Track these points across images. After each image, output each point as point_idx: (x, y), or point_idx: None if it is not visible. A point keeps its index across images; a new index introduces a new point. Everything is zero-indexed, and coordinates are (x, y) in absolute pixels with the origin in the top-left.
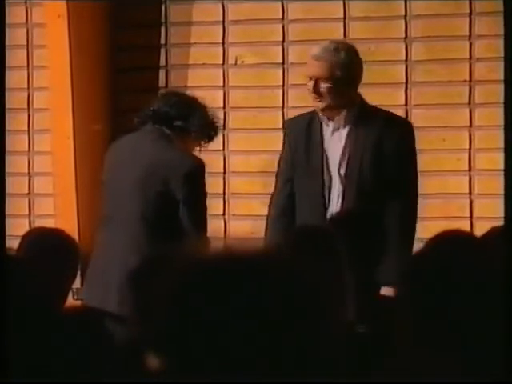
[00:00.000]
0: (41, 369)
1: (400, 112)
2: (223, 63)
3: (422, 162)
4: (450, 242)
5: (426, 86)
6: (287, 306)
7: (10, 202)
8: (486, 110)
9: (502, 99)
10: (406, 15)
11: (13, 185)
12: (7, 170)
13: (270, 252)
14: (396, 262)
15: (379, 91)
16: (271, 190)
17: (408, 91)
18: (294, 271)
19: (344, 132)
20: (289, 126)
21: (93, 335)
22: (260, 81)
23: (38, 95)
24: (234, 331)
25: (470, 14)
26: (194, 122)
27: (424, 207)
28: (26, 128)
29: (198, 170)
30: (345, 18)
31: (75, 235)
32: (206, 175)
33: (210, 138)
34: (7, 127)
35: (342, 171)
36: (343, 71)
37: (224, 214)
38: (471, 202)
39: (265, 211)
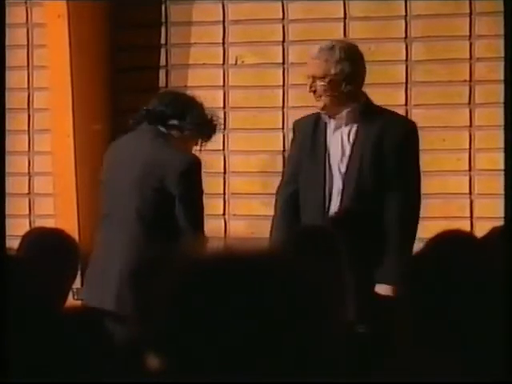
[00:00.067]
0: (41, 369)
1: (400, 112)
2: (223, 63)
3: (422, 162)
4: (450, 241)
5: (426, 86)
6: (287, 306)
7: (10, 201)
8: (486, 110)
9: (502, 99)
10: (406, 15)
11: (13, 185)
12: (7, 170)
13: (270, 252)
14: (393, 262)
15: (379, 91)
16: (271, 190)
17: (408, 91)
18: (294, 271)
19: (345, 130)
20: (296, 125)
21: (93, 335)
22: (260, 81)
23: (38, 95)
24: (233, 331)
25: (470, 13)
26: (189, 120)
27: (424, 207)
28: (26, 128)
29: (193, 167)
30: (345, 18)
31: (75, 235)
32: (207, 175)
33: (208, 137)
34: (7, 127)
35: (342, 169)
36: (337, 69)
37: (224, 214)
38: (471, 202)
39: (265, 211)
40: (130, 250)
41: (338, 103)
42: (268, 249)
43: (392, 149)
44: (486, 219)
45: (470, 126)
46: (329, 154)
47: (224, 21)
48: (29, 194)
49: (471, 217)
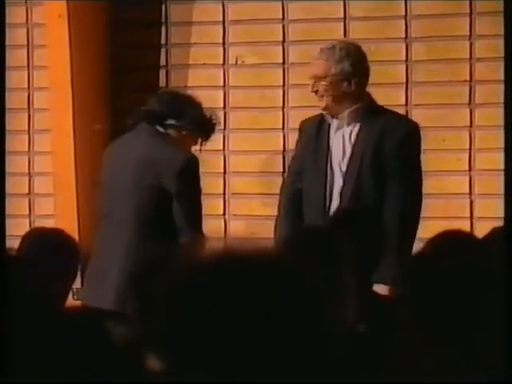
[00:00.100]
0: (41, 369)
1: (400, 112)
2: (223, 63)
3: (422, 162)
4: (450, 242)
5: (426, 86)
6: (287, 306)
7: (10, 201)
8: (487, 110)
9: (502, 99)
10: (406, 15)
11: (13, 185)
12: (7, 170)
13: (270, 252)
14: (392, 262)
15: (379, 91)
16: (271, 190)
17: (408, 91)
18: (294, 271)
19: (347, 130)
20: (302, 126)
21: (93, 335)
22: (260, 81)
23: (38, 95)
24: (234, 331)
25: (471, 13)
26: (187, 120)
27: (424, 207)
28: (26, 128)
29: (190, 166)
30: (345, 17)
31: (75, 235)
32: (207, 175)
33: (207, 136)
34: (7, 127)
35: (343, 169)
36: (338, 69)
37: (224, 214)
38: (471, 202)
39: (265, 211)
40: (130, 249)
41: (339, 103)
42: (268, 249)
43: (393, 148)
44: (486, 219)
45: (470, 126)
46: (331, 154)
47: (224, 21)
48: (29, 194)
49: (471, 217)
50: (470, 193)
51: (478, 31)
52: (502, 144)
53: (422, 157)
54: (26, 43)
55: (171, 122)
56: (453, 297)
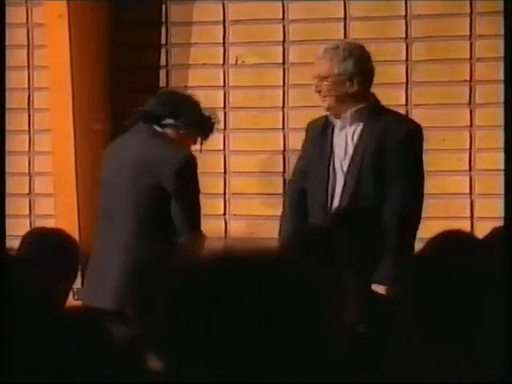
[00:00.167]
0: (41, 369)
1: (400, 112)
2: (223, 63)
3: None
4: (450, 241)
5: (426, 86)
6: (287, 306)
7: (10, 201)
8: (487, 110)
9: (502, 99)
10: (406, 15)
11: (13, 185)
12: (7, 169)
13: (270, 252)
14: (391, 262)
15: (379, 91)
16: (271, 190)
17: (408, 91)
18: (294, 271)
19: (350, 130)
20: (308, 127)
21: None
22: (260, 81)
23: (38, 95)
24: (234, 331)
25: (471, 13)
26: (184, 119)
27: (424, 207)
28: (27, 128)
29: (188, 165)
30: (345, 17)
31: (75, 235)
32: (207, 175)
33: (206, 136)
34: (7, 127)
35: (345, 168)
36: (341, 69)
37: (224, 214)
38: (472, 202)
39: (265, 211)
40: (129, 249)
41: (342, 103)
42: (268, 249)
43: (395, 148)
44: (487, 219)
45: (471, 126)
46: (333, 154)
47: (224, 21)
48: (29, 194)
49: (471, 217)
50: (471, 193)
51: (478, 31)
52: (501, 144)
53: (423, 157)
54: (26, 43)
55: (169, 121)
56: (453, 297)
